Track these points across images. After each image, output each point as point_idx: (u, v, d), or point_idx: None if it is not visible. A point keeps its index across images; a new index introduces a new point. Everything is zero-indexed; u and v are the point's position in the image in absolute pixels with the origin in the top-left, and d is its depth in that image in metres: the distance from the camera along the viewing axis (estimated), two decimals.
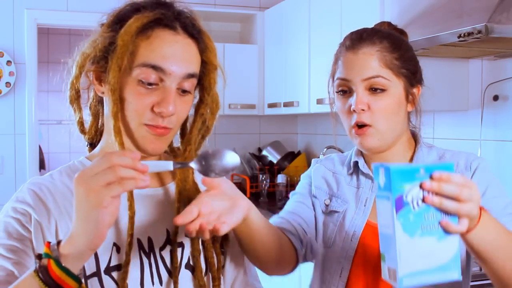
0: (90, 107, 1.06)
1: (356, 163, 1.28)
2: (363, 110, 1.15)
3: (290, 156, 4.00)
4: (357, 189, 1.27)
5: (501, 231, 0.97)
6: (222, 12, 3.92)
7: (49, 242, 0.81)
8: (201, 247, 1.03)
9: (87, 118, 1.07)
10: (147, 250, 0.99)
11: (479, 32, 1.85)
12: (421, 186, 0.84)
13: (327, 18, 3.03)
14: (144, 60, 0.92)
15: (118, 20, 0.95)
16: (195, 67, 0.97)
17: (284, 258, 1.17)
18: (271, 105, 3.78)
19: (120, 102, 0.94)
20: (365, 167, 1.27)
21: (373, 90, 1.15)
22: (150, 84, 0.93)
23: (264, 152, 4.06)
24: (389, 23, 1.33)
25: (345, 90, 1.19)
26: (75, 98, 1.03)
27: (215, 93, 1.03)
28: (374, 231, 1.20)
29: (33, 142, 3.69)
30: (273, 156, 4.01)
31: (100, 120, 1.07)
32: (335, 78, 1.22)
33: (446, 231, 0.87)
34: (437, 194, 0.84)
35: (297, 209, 1.30)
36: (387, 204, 0.85)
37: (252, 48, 3.90)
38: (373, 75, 1.15)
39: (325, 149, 3.56)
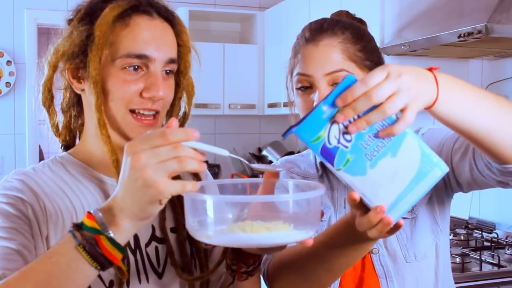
0: (61, 108, 1.04)
1: (323, 163, 1.18)
2: None
3: None
4: (331, 191, 1.19)
5: (474, 89, 0.83)
6: (222, 12, 3.92)
7: (90, 212, 0.75)
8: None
9: (61, 119, 1.04)
10: (133, 246, 0.96)
11: (479, 32, 1.85)
12: (335, 122, 0.74)
13: None
14: (127, 51, 0.91)
15: (90, 13, 0.93)
16: (174, 51, 0.97)
17: None
18: (271, 105, 3.77)
19: (103, 95, 0.92)
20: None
21: (337, 84, 1.08)
22: (135, 69, 0.92)
23: (264, 152, 4.06)
24: (347, 12, 1.26)
25: (306, 86, 1.10)
26: (49, 100, 1.01)
27: (190, 77, 1.02)
28: None
29: (33, 142, 3.70)
30: (273, 156, 4.01)
31: (72, 121, 1.04)
32: (294, 74, 1.13)
33: (393, 138, 0.75)
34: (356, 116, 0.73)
35: None
36: (322, 159, 0.77)
37: (252, 48, 3.90)
38: (335, 69, 1.06)
39: None
